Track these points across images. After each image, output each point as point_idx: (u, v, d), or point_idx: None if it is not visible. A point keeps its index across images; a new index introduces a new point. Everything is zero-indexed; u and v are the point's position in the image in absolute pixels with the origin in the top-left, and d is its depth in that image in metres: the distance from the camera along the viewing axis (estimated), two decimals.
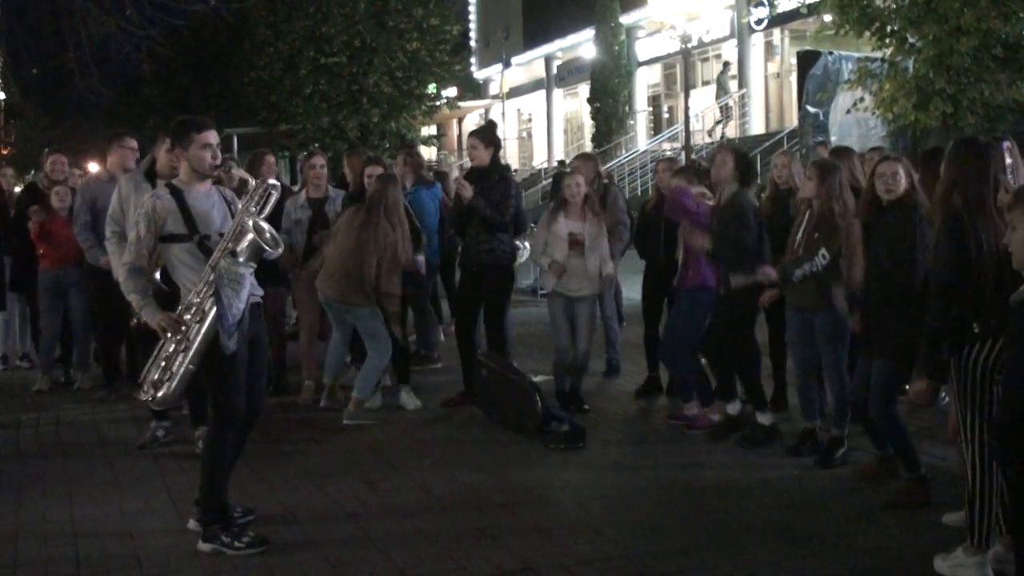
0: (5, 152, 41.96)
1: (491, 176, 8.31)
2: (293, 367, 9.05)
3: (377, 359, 8.14)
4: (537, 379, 8.20)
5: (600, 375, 9.46)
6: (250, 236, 5.16)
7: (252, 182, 5.72)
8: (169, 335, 5.17)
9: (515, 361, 8.59)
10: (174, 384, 5.19)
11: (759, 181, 8.55)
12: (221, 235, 5.26)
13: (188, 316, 5.17)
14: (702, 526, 5.56)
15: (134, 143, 8.51)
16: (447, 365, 9.89)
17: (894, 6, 16.98)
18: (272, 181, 5.53)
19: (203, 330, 5.14)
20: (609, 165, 31.66)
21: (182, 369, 5.17)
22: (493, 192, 8.20)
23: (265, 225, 5.30)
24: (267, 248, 5.24)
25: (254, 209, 5.30)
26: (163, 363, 5.21)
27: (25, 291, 9.94)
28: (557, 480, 6.48)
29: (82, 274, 8.84)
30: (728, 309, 7.20)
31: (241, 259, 5.16)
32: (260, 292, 5.47)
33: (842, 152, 8.03)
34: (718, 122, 31.27)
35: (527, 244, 13.47)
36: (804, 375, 6.87)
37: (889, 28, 17.12)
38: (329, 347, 8.51)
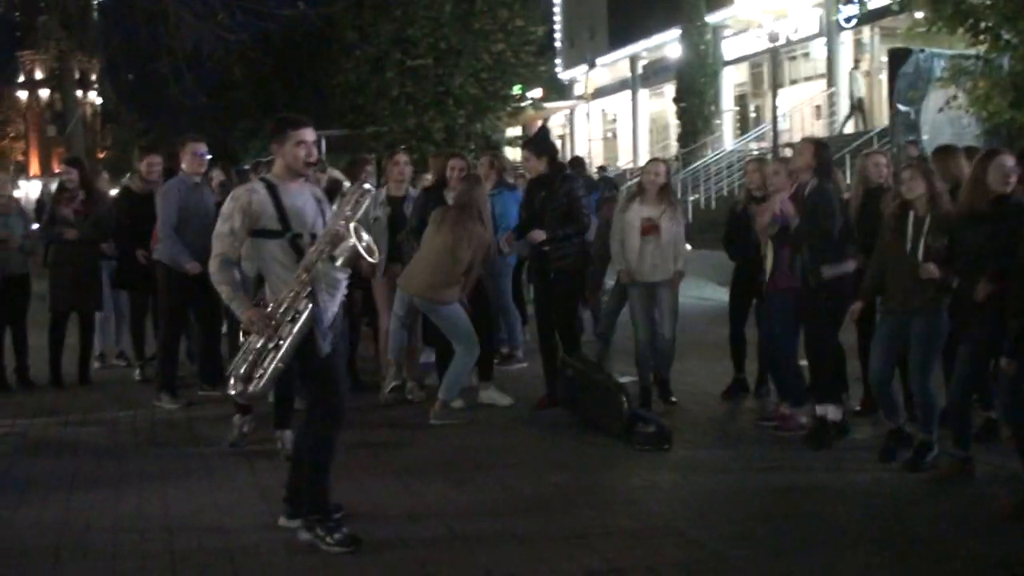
0: (101, 156, 43.05)
1: (552, 184, 8.26)
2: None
3: (464, 359, 8.16)
4: (623, 380, 8.18)
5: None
6: (350, 242, 5.17)
7: (347, 184, 5.71)
8: (256, 331, 5.20)
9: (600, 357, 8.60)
10: (264, 381, 5.23)
11: (846, 180, 8.43)
12: (313, 235, 5.29)
13: (279, 313, 5.20)
14: (790, 530, 5.50)
15: (202, 147, 8.77)
16: (531, 365, 9.92)
17: (988, 2, 16.60)
18: (367, 186, 5.55)
19: (295, 330, 5.16)
20: (695, 165, 31.47)
21: (272, 366, 5.21)
22: (557, 199, 8.17)
23: (364, 233, 5.32)
24: (365, 256, 5.26)
25: (349, 213, 5.29)
26: (251, 358, 5.24)
27: (129, 289, 10.17)
28: (643, 482, 6.46)
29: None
30: (816, 302, 7.11)
31: (338, 263, 5.19)
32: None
33: (948, 151, 7.85)
34: (848, 117, 30.53)
35: None
36: (882, 376, 6.76)
37: (983, 24, 16.73)
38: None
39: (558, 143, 47.19)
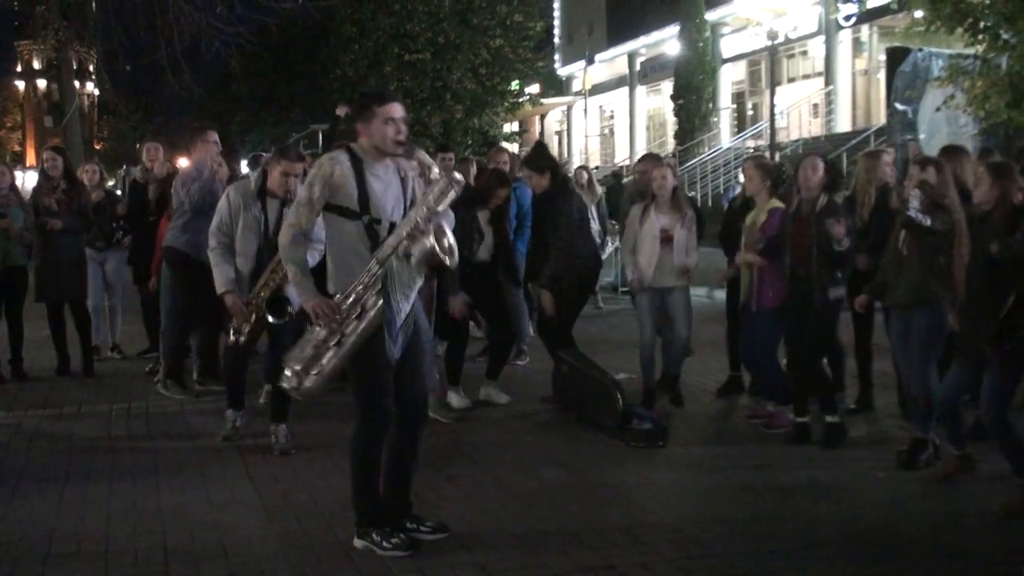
0: (98, 147, 43.00)
1: (555, 201, 8.27)
2: None
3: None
4: (620, 377, 8.18)
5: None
6: (427, 243, 4.78)
7: (435, 171, 5.21)
8: (321, 323, 4.89)
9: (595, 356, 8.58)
10: (321, 378, 4.93)
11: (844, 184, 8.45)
12: (392, 224, 4.94)
13: (346, 305, 4.88)
14: (785, 527, 5.50)
15: (216, 135, 8.69)
16: (532, 361, 9.94)
17: (987, 2, 16.60)
18: (458, 176, 5.14)
19: (360, 328, 4.86)
20: (692, 163, 31.49)
21: (331, 363, 4.90)
22: (559, 216, 8.20)
23: (447, 230, 4.97)
24: (443, 259, 4.89)
25: (432, 207, 4.92)
26: (310, 351, 4.92)
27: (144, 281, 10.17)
28: (638, 478, 6.46)
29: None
30: (824, 321, 7.12)
31: (413, 262, 4.85)
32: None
33: (953, 152, 7.84)
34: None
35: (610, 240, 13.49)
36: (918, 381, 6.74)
37: (982, 24, 16.73)
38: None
39: (555, 140, 47.28)
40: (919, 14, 18.02)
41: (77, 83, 33.95)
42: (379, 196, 4.95)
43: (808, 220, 7.04)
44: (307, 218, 4.94)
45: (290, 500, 5.98)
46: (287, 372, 4.98)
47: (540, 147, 9.62)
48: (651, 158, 9.73)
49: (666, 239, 8.06)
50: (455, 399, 8.32)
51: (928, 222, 6.23)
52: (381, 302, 4.87)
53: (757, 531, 5.45)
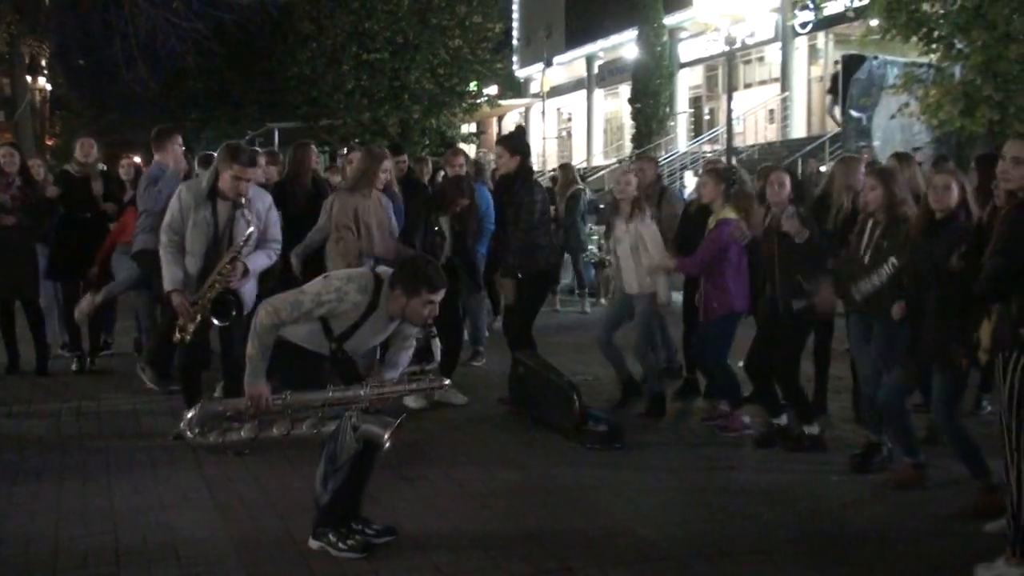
0: (50, 143, 42.47)
1: (514, 186, 8.27)
2: None
3: None
4: (576, 379, 8.19)
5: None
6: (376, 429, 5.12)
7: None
8: (251, 411, 5.13)
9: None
10: (220, 444, 5.30)
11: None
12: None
13: (281, 407, 5.13)
14: (739, 530, 5.52)
15: (181, 138, 8.73)
16: (489, 363, 9.93)
17: (942, 12, 16.82)
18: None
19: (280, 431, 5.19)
20: None
21: (235, 439, 5.26)
22: (516, 199, 8.20)
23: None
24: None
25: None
26: (225, 415, 5.24)
27: (62, 279, 10.06)
28: (595, 480, 6.46)
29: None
30: (789, 332, 7.14)
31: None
32: None
33: (903, 159, 7.94)
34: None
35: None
36: (869, 382, 6.81)
37: (937, 34, 16.97)
38: None
39: None
40: (875, 22, 18.21)
41: (29, 78, 33.54)
42: (362, 339, 5.18)
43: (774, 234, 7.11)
44: (292, 319, 5.06)
45: (245, 500, 5.93)
46: (190, 416, 5.20)
47: (520, 130, 9.82)
48: (647, 159, 9.85)
49: (631, 245, 8.07)
50: (410, 400, 8.28)
51: (887, 275, 6.32)
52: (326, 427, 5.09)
53: (713, 533, 5.47)
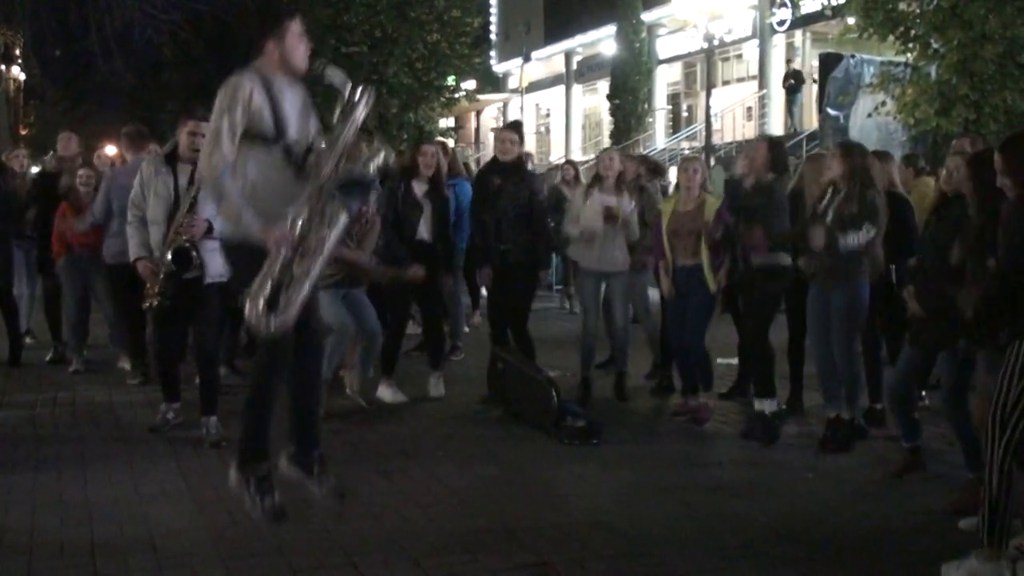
0: (24, 133, 42.12)
1: (513, 175, 8.28)
2: None
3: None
4: (554, 374, 8.19)
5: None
6: (382, 156, 4.65)
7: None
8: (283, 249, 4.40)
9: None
10: (289, 312, 4.42)
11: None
12: (309, 149, 4.61)
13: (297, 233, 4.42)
14: (716, 525, 5.53)
15: (156, 147, 8.67)
16: (468, 357, 9.93)
17: (919, 11, 16.92)
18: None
19: (326, 248, 4.48)
20: None
21: (297, 295, 4.42)
22: (522, 188, 8.22)
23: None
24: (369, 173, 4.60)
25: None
26: (272, 284, 4.40)
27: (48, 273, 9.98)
28: (572, 475, 6.47)
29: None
30: (749, 289, 7.41)
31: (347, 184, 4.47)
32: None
33: (882, 157, 7.99)
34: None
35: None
36: (822, 356, 6.89)
37: (913, 33, 17.08)
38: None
39: (490, 136, 47.24)
40: (852, 21, 18.30)
41: (3, 67, 33.27)
42: (292, 118, 4.64)
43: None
44: (229, 148, 4.48)
45: (221, 493, 5.86)
46: (251, 310, 4.40)
47: (518, 122, 10.00)
48: (632, 157, 10.06)
49: (609, 218, 8.08)
50: (388, 393, 8.27)
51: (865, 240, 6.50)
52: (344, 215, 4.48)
53: (690, 529, 5.48)
